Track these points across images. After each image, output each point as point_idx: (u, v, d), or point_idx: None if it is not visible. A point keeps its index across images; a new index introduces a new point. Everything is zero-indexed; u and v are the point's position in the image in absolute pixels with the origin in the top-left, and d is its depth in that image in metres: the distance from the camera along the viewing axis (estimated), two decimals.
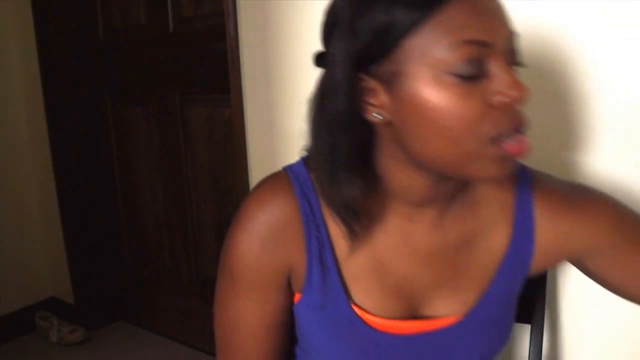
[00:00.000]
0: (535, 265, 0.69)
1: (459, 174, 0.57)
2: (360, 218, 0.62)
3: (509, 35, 0.54)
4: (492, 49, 0.52)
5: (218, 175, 1.87)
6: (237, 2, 1.33)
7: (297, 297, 0.68)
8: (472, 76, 0.52)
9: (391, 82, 0.55)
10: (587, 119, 0.91)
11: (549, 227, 0.67)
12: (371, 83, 0.56)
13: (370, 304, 0.65)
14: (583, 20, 0.88)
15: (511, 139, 0.54)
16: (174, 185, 2.02)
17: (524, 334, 1.02)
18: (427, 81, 0.52)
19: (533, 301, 0.92)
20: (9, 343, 2.19)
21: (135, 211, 2.19)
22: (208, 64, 1.77)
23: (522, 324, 0.96)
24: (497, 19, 0.53)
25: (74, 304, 2.27)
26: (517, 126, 0.54)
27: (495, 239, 0.67)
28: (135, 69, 2.02)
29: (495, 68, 0.53)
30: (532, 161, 0.71)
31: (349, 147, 0.58)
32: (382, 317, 0.66)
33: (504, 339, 0.72)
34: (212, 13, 1.71)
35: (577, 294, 0.99)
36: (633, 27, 0.84)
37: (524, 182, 0.68)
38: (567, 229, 0.67)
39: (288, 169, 0.68)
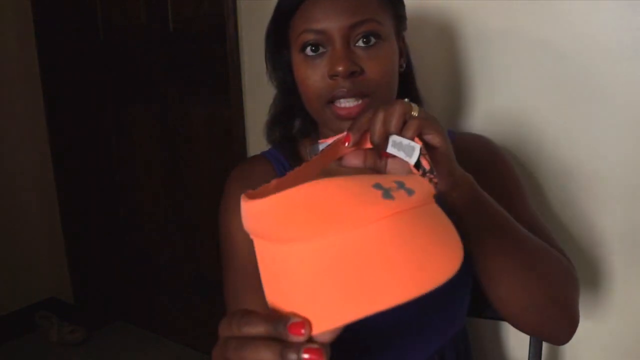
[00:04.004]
0: None
1: (321, 124, 0.78)
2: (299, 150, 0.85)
3: (348, 25, 0.70)
4: (327, 35, 0.70)
5: (218, 175, 1.87)
6: (237, 2, 1.34)
7: None
8: (312, 55, 0.72)
9: (290, 56, 0.77)
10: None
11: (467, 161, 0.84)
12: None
13: None
14: None
15: (344, 103, 0.71)
16: (174, 185, 2.02)
17: (524, 335, 1.02)
18: (294, 56, 0.75)
19: None
20: (9, 343, 2.19)
21: (135, 211, 2.19)
22: (208, 64, 1.77)
23: None
24: (334, 14, 0.70)
25: (74, 304, 2.27)
26: (345, 94, 0.70)
27: None
28: (136, 69, 2.02)
29: (330, 49, 0.71)
30: None
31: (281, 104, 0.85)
32: None
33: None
34: (212, 13, 1.71)
35: None
36: None
37: (449, 132, 0.88)
38: (479, 166, 0.84)
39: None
